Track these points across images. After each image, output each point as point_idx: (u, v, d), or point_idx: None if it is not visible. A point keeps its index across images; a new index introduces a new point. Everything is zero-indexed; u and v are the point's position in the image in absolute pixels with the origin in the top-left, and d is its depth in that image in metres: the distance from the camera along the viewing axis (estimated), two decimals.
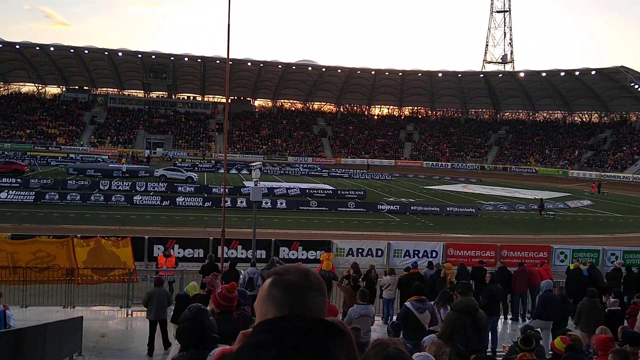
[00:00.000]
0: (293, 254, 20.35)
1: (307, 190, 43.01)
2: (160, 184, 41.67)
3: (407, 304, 8.50)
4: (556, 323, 11.11)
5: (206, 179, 50.85)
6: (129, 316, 13.95)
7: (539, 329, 11.46)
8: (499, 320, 13.49)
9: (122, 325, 13.60)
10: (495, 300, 11.94)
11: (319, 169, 69.60)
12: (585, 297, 10.78)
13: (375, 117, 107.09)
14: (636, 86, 78.72)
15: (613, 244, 25.18)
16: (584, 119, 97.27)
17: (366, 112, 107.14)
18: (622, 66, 77.18)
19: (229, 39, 16.77)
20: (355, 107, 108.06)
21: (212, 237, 20.18)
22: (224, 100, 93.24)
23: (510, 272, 15.21)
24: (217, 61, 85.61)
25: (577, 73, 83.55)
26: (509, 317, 14.91)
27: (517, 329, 11.81)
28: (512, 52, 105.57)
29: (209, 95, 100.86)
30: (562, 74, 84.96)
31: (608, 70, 79.72)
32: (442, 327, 7.49)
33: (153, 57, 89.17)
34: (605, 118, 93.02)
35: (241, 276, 14.04)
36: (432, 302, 9.07)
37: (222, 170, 40.61)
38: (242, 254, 19.88)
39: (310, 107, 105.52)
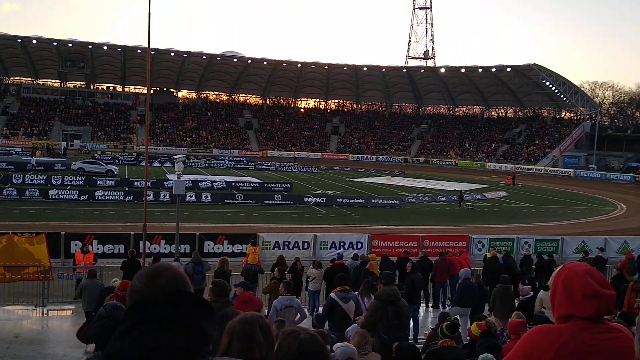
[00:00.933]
0: (218, 248, 20.12)
1: (233, 184, 42.59)
2: (78, 177, 39.94)
3: (332, 294, 8.62)
4: (473, 309, 11.63)
5: (127, 172, 49.23)
6: (45, 315, 13.33)
7: (457, 316, 11.95)
8: (420, 308, 13.94)
9: (38, 325, 12.97)
10: (416, 288, 12.33)
11: (245, 161, 69.00)
12: (499, 284, 11.34)
13: (302, 109, 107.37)
14: (547, 83, 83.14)
15: (526, 233, 26.55)
16: (500, 114, 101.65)
17: (292, 105, 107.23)
18: (534, 64, 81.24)
19: (150, 27, 16.29)
20: (281, 100, 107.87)
21: (134, 232, 19.60)
22: (145, 91, 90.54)
23: (431, 261, 15.75)
24: (139, 51, 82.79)
25: (493, 70, 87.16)
26: (430, 304, 15.42)
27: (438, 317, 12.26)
28: (433, 48, 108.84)
29: (130, 86, 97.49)
30: (480, 70, 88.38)
31: (522, 67, 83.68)
32: (365, 316, 7.65)
33: (69, 45, 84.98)
34: (519, 113, 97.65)
35: None
36: (356, 292, 9.23)
37: (144, 163, 39.49)
38: (165, 248, 19.44)
39: (236, 99, 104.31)
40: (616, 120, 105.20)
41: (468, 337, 6.45)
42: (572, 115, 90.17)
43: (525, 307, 9.37)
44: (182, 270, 1.73)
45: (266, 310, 9.78)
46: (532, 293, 10.15)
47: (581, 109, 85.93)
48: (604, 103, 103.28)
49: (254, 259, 15.19)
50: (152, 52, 78.03)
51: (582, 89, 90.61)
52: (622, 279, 14.08)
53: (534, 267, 15.97)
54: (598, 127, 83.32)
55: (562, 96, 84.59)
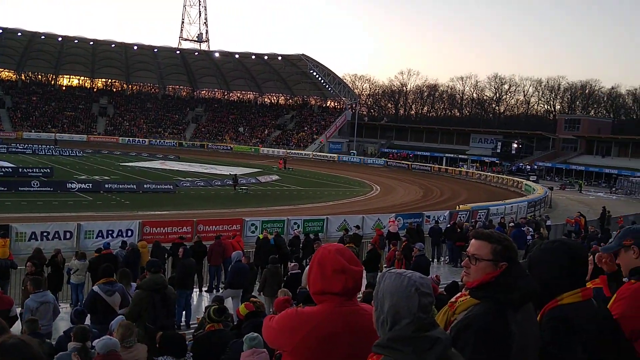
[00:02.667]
0: None
1: None
2: None
3: (95, 287, 8.06)
4: (245, 290, 11.91)
5: None
6: None
7: (230, 298, 12.13)
8: (194, 293, 13.84)
9: None
10: (188, 274, 12.17)
11: None
12: (269, 264, 11.79)
13: (64, 87, 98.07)
14: (314, 73, 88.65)
15: (296, 214, 28.01)
16: (273, 101, 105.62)
17: (53, 82, 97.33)
18: (303, 54, 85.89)
19: None
20: (39, 76, 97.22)
21: None
22: None
23: (205, 245, 15.71)
24: None
25: (265, 57, 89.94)
26: (204, 289, 15.39)
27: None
28: (207, 32, 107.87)
29: None
30: (253, 57, 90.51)
31: (292, 57, 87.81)
32: (129, 307, 7.30)
33: None
34: (290, 100, 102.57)
35: None
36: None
37: None
38: None
39: None
40: (372, 111, 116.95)
41: (237, 318, 6.56)
42: (336, 104, 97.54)
43: (291, 284, 9.88)
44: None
45: (19, 310, 8.78)
46: (299, 270, 10.74)
47: (344, 99, 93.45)
48: (363, 94, 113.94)
49: (4, 253, 13.49)
50: None
51: (345, 80, 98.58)
52: (376, 253, 15.72)
53: (301, 246, 16.94)
54: (358, 116, 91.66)
55: (327, 86, 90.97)
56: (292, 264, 11.01)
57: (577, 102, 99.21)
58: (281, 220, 23.97)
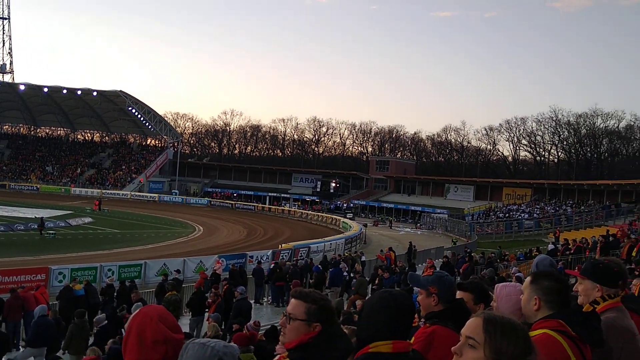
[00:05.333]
0: None
1: None
2: None
3: None
4: (50, 349, 10.80)
5: None
6: None
7: (32, 358, 10.93)
8: None
9: None
10: None
11: None
12: (75, 318, 10.83)
13: None
14: (133, 110, 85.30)
15: (111, 260, 26.32)
16: (87, 138, 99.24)
17: None
18: (121, 91, 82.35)
19: None
20: None
21: None
22: None
23: (2, 299, 14.05)
24: None
25: (79, 92, 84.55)
26: None
27: None
28: (12, 63, 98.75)
29: None
30: (65, 91, 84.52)
31: (109, 93, 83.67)
32: None
33: None
34: (106, 138, 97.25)
35: None
36: None
37: None
38: None
39: None
40: (195, 149, 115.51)
41: None
42: (157, 142, 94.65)
43: (101, 339, 9.17)
44: None
45: None
46: (106, 322, 10.00)
47: (165, 137, 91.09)
48: (185, 133, 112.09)
49: None
50: None
51: (166, 118, 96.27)
52: (202, 296, 15.31)
53: (115, 294, 15.90)
54: (180, 154, 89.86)
55: (147, 124, 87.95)
56: (101, 315, 10.24)
57: (386, 145, 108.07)
58: (93, 267, 22.37)
